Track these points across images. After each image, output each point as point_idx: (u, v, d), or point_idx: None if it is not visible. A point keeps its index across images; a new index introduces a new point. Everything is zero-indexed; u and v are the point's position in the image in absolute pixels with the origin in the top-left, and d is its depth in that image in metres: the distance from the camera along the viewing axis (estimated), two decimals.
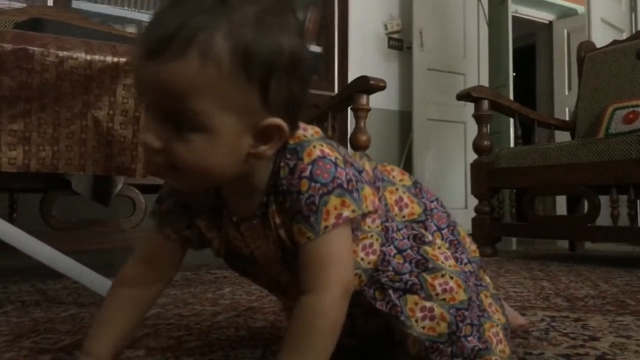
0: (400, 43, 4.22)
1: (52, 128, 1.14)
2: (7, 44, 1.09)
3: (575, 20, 5.20)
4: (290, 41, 0.56)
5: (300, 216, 0.60)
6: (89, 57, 1.15)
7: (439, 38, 4.15)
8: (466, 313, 0.68)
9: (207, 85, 0.53)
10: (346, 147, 2.51)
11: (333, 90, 3.62)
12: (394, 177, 0.77)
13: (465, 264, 0.74)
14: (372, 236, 0.68)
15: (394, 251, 0.70)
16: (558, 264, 2.20)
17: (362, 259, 0.67)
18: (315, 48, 3.69)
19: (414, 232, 0.72)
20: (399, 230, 0.71)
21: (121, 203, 1.79)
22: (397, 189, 0.75)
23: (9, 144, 1.12)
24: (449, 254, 0.73)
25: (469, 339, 0.67)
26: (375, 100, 2.12)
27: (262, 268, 0.71)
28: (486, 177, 2.50)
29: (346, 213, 0.60)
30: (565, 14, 5.40)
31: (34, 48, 1.11)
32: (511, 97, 4.24)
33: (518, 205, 2.47)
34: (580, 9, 5.22)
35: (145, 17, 3.07)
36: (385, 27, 4.17)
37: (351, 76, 3.61)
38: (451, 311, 0.67)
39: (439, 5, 4.17)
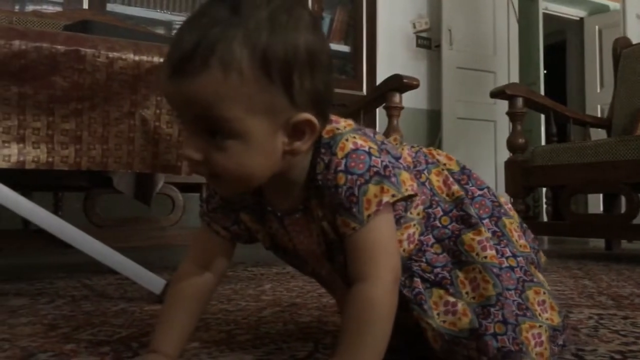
0: (428, 41, 4.20)
1: (101, 127, 1.18)
2: (60, 46, 1.13)
3: (607, 16, 5.11)
4: (306, 37, 0.58)
5: (342, 208, 0.61)
6: (137, 58, 1.18)
7: (468, 36, 4.12)
8: (492, 310, 0.65)
9: (232, 92, 0.55)
10: None
11: (361, 89, 3.62)
12: (438, 160, 0.77)
13: (507, 257, 0.70)
14: (414, 225, 0.69)
15: (432, 240, 0.70)
16: (596, 263, 2.17)
17: (404, 250, 0.68)
18: (343, 48, 3.70)
19: (462, 213, 0.71)
20: (444, 214, 0.71)
21: (161, 201, 1.82)
22: (443, 170, 0.75)
23: (61, 143, 1.15)
24: (488, 244, 0.69)
25: (499, 338, 0.64)
26: (404, 99, 2.12)
27: (306, 262, 0.73)
28: (521, 176, 2.48)
29: (386, 198, 0.60)
30: (597, 10, 5.31)
31: (86, 49, 1.14)
32: (542, 94, 4.19)
33: (554, 204, 2.44)
34: (612, 5, 5.13)
35: (176, 19, 3.12)
36: (414, 26, 4.16)
37: (379, 76, 3.61)
38: (475, 309, 0.66)
39: (468, 2, 4.14)
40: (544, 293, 0.70)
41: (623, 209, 2.41)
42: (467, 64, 4.10)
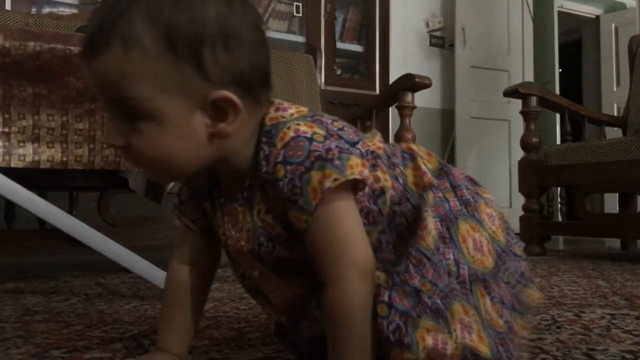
0: (442, 41, 4.18)
1: None
2: (73, 47, 1.14)
3: (624, 14, 5.05)
4: (217, 10, 0.55)
5: (289, 202, 0.56)
6: None
7: (482, 35, 4.10)
8: (395, 277, 0.56)
9: (137, 70, 0.53)
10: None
11: (374, 89, 3.62)
12: (419, 155, 0.68)
13: (449, 262, 0.58)
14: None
15: (394, 237, 0.62)
16: (611, 263, 2.15)
17: None
18: (356, 47, 3.70)
19: (419, 201, 0.62)
20: (413, 211, 0.63)
21: (173, 200, 1.84)
22: (420, 164, 0.66)
23: (75, 143, 1.17)
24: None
25: (380, 314, 0.55)
26: (417, 99, 2.12)
27: (236, 262, 0.67)
28: (535, 175, 2.46)
29: (327, 183, 0.55)
30: (613, 7, 5.24)
31: None
32: (557, 93, 4.15)
33: (568, 203, 2.41)
34: (629, 2, 5.06)
35: None
36: (427, 25, 4.14)
37: (392, 75, 3.60)
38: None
39: (482, 1, 4.12)
40: (474, 315, 0.56)
41: (639, 209, 2.38)
42: (481, 63, 4.07)
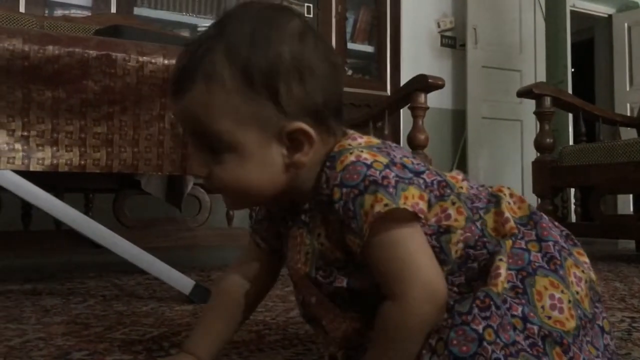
0: (453, 41, 4.16)
1: (132, 130, 1.20)
2: (92, 50, 1.15)
3: (637, 13, 5.00)
4: (291, 45, 0.58)
5: (345, 226, 0.57)
6: (166, 62, 1.20)
7: (494, 34, 4.07)
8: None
9: (218, 104, 0.57)
10: (403, 146, 2.50)
11: (385, 90, 3.61)
12: (504, 196, 0.66)
13: (515, 317, 0.55)
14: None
15: (462, 281, 0.59)
16: (627, 265, 2.13)
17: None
18: (367, 48, 3.69)
19: (495, 248, 0.60)
20: (489, 255, 0.60)
21: (188, 202, 1.85)
22: (504, 208, 0.63)
23: (93, 146, 1.17)
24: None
25: None
26: (429, 99, 2.11)
27: (296, 286, 0.68)
28: (549, 176, 2.44)
29: (378, 208, 0.54)
30: (626, 6, 5.20)
31: (117, 54, 1.17)
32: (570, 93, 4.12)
33: (583, 205, 2.40)
34: None
35: (200, 21, 3.15)
36: (438, 25, 4.12)
37: (403, 76, 3.59)
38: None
39: (494, 0, 4.09)
40: None
41: None
42: (493, 63, 4.05)
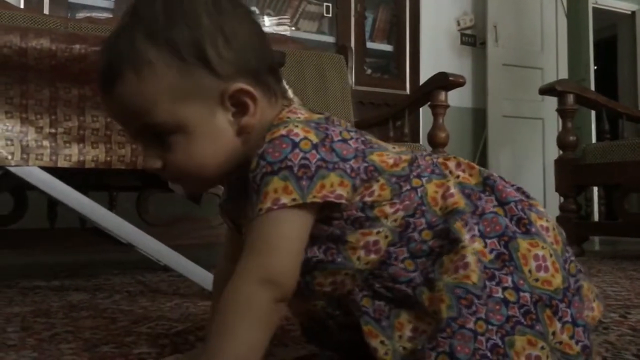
0: (473, 39, 4.13)
1: None
2: None
3: None
4: (207, 12, 0.58)
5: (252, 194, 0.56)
6: None
7: (515, 32, 4.03)
8: (439, 336, 0.53)
9: (151, 88, 0.56)
10: (422, 144, 2.48)
11: (405, 89, 3.60)
12: (450, 172, 0.64)
13: (505, 288, 0.55)
14: (379, 232, 0.59)
15: (405, 254, 0.59)
16: None
17: (358, 258, 0.59)
18: (386, 47, 3.69)
19: (445, 225, 0.58)
20: (428, 227, 0.59)
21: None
22: (448, 182, 0.63)
23: (118, 143, 1.19)
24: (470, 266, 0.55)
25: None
26: (448, 98, 2.10)
27: None
28: (572, 174, 2.41)
29: (284, 200, 0.54)
30: None
31: None
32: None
33: (607, 203, 2.36)
34: None
35: None
36: (458, 23, 4.10)
37: (423, 74, 3.57)
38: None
39: None
40: (542, 349, 0.53)
41: None
42: (514, 61, 4.01)
